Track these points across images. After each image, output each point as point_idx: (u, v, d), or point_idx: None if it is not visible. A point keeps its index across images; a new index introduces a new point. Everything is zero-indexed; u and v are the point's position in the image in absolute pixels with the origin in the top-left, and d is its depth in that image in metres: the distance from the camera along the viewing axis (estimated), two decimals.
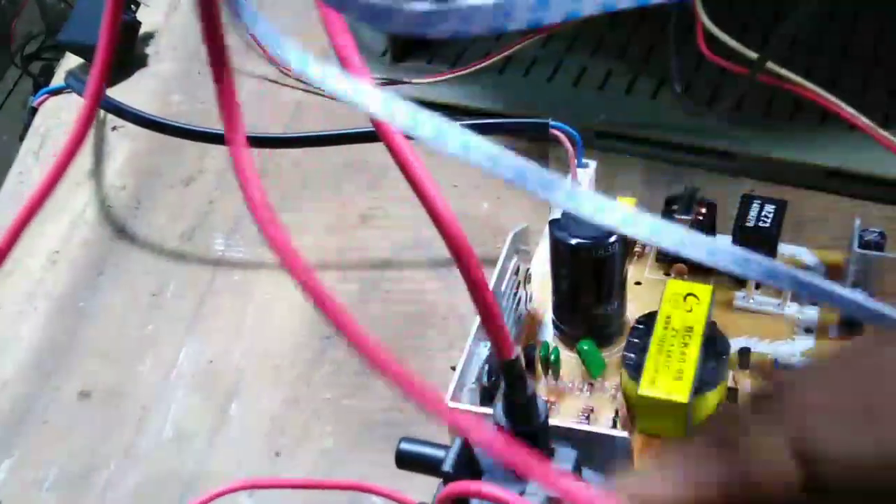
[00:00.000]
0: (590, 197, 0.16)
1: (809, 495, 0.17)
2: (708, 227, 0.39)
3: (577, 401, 0.36)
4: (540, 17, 0.14)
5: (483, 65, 0.51)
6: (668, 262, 0.40)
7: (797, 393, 0.18)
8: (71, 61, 0.59)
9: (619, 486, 0.19)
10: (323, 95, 0.54)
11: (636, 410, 0.34)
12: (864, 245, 0.37)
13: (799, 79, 0.44)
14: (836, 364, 0.19)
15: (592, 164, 0.41)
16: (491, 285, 0.34)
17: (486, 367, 0.35)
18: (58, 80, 0.59)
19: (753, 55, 0.43)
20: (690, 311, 0.34)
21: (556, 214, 0.36)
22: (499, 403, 0.25)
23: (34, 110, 0.58)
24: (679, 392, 0.31)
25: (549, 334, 0.39)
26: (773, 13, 0.51)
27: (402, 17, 0.14)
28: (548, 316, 0.39)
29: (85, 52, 0.57)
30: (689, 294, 0.34)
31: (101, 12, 0.19)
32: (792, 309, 0.38)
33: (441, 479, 0.24)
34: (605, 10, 0.14)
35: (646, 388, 0.32)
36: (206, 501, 0.34)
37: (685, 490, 0.18)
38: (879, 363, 0.18)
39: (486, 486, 0.22)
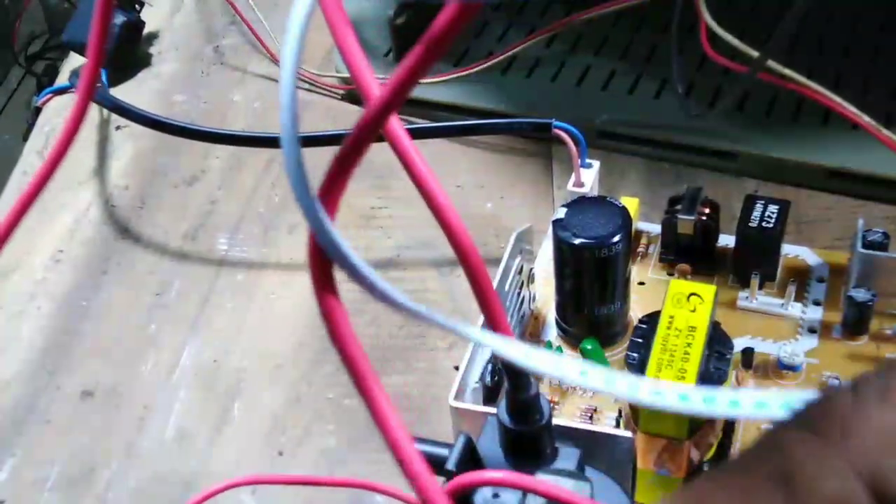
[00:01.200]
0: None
1: None
2: (712, 227, 0.39)
3: (580, 400, 0.36)
4: None
5: (486, 65, 0.51)
6: (672, 261, 0.40)
7: (862, 414, 0.15)
8: (74, 61, 0.60)
9: None
10: (326, 95, 0.54)
11: (639, 410, 0.34)
12: (868, 245, 0.37)
13: (801, 78, 0.44)
14: None
15: (596, 163, 0.41)
16: (494, 285, 0.34)
17: (490, 367, 0.35)
18: (61, 79, 0.60)
19: (757, 54, 0.43)
20: (694, 310, 0.34)
21: (560, 214, 0.36)
22: (502, 403, 0.25)
23: (38, 110, 0.58)
24: None
25: (552, 334, 0.39)
26: (777, 12, 0.51)
27: None
28: (551, 316, 0.39)
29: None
30: (692, 294, 0.34)
31: None
32: (795, 309, 0.38)
33: (445, 478, 0.24)
34: None
35: None
36: (208, 497, 0.34)
37: None
38: None
39: (489, 474, 0.22)
